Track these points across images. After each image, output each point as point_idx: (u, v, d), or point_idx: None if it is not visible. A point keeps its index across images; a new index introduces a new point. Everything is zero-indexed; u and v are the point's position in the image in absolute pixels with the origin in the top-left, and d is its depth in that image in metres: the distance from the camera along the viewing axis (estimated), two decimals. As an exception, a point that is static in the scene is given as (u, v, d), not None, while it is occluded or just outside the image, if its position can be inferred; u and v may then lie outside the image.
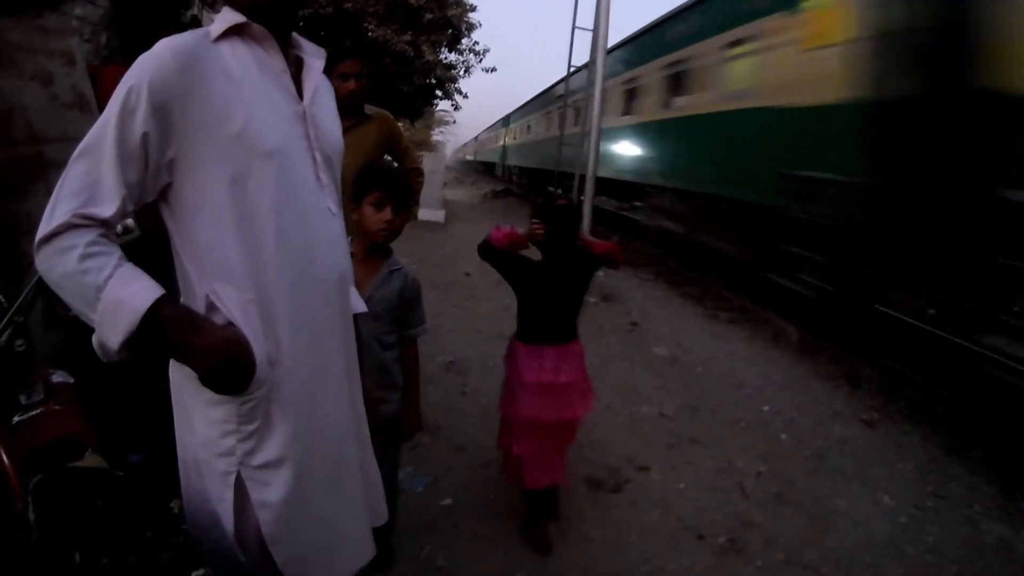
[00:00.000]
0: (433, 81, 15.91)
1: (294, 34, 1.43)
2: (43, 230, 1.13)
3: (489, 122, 46.78)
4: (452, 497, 3.16)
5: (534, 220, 2.76)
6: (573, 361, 2.82)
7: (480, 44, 16.77)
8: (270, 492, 1.33)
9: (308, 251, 1.36)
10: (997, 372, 4.48)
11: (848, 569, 2.86)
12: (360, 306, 1.66)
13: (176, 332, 1.19)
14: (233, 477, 1.30)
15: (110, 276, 1.13)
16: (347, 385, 1.51)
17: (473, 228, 11.32)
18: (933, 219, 4.79)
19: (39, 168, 2.92)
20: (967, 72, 4.51)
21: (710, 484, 3.49)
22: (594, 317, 6.70)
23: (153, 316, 1.14)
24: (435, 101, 19.25)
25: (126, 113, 1.16)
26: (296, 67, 1.42)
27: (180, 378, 1.34)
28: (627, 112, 11.73)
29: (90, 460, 1.49)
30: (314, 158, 1.39)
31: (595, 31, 8.12)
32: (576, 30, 10.43)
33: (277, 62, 1.35)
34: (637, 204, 12.04)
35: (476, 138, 59.35)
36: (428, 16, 13.99)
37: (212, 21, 1.33)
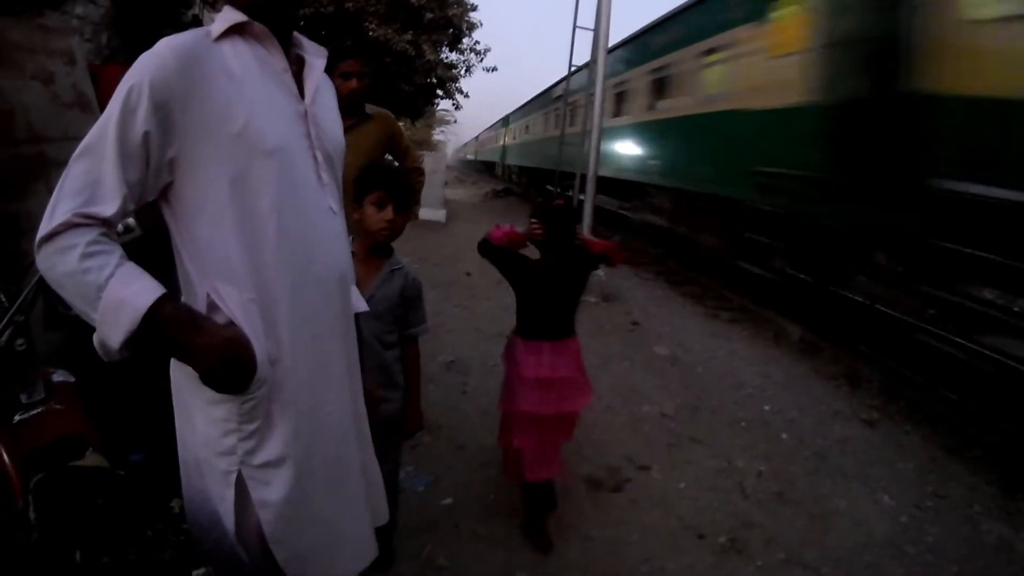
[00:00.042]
0: (434, 80, 15.90)
1: (295, 33, 1.43)
2: (44, 229, 1.13)
3: (490, 121, 46.86)
4: (453, 496, 3.16)
5: (533, 220, 2.80)
6: (570, 357, 2.86)
7: (481, 43, 16.76)
8: (271, 491, 1.33)
9: (309, 250, 1.36)
10: (997, 372, 4.48)
11: (848, 569, 2.86)
12: (361, 305, 1.66)
13: (177, 331, 1.19)
14: (234, 476, 1.30)
15: (111, 275, 1.13)
16: (348, 384, 1.51)
17: (474, 228, 11.31)
18: (881, 208, 5.35)
19: (40, 167, 2.92)
20: (900, 77, 5.10)
21: (711, 484, 3.49)
22: (595, 316, 6.70)
23: (154, 315, 1.14)
24: (436, 100, 19.25)
25: (127, 112, 1.16)
26: (297, 66, 1.42)
27: (181, 377, 1.34)
28: (617, 114, 12.15)
29: (91, 459, 1.50)
30: (315, 157, 1.39)
31: (596, 30, 8.13)
32: (577, 30, 10.42)
33: (278, 61, 1.35)
34: (625, 205, 12.56)
35: (477, 138, 59.40)
36: (429, 15, 13.99)
37: (213, 20, 1.33)
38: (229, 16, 1.29)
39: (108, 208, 1.16)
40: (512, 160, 30.07)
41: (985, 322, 4.74)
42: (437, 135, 51.51)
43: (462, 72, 16.88)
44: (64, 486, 1.38)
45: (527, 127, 25.64)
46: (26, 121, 2.95)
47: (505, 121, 33.97)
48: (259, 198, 1.27)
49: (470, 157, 64.13)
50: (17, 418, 1.61)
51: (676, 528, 3.07)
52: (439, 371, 4.76)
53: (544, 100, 21.95)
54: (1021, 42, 4.19)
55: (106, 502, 1.36)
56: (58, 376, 1.83)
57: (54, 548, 1.25)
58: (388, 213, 2.13)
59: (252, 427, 1.29)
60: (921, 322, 5.34)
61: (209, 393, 1.25)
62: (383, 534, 1.68)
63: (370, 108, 3.31)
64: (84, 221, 1.14)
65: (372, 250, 2.25)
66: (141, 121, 1.16)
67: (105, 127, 1.17)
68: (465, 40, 16.20)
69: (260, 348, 1.27)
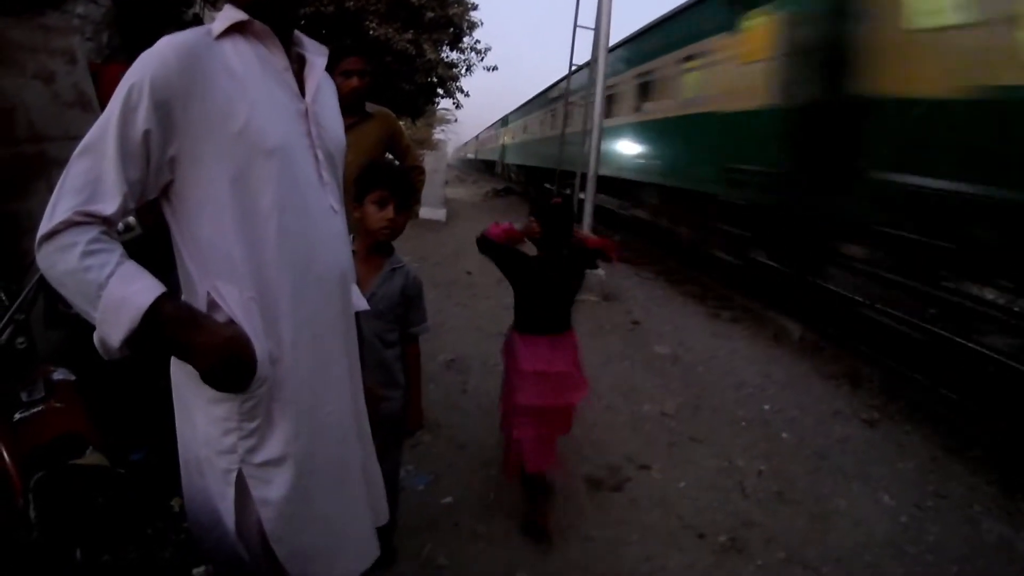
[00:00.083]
0: (434, 79, 15.89)
1: (296, 32, 1.42)
2: (44, 227, 1.13)
3: (490, 120, 47.01)
4: (453, 495, 3.16)
5: (531, 217, 2.86)
6: (567, 351, 2.93)
7: (481, 43, 16.77)
8: (272, 489, 1.33)
9: (310, 249, 1.36)
10: (998, 371, 4.48)
11: (849, 568, 2.86)
12: (362, 304, 1.66)
13: (177, 330, 1.19)
14: (234, 475, 1.30)
15: (111, 274, 1.13)
16: (349, 383, 1.51)
17: (475, 227, 11.27)
18: (830, 199, 6.04)
19: (41, 166, 2.92)
20: (846, 82, 5.79)
21: (711, 483, 3.49)
22: (595, 316, 6.70)
23: (154, 314, 1.14)
24: (436, 99, 19.27)
25: (128, 110, 1.16)
26: (298, 65, 1.42)
27: (181, 376, 1.34)
28: (608, 115, 12.42)
29: (91, 457, 1.50)
30: (316, 156, 1.39)
31: (597, 30, 8.12)
32: (578, 29, 10.42)
33: (279, 60, 1.35)
34: (615, 201, 13.26)
35: (477, 137, 59.51)
36: (430, 15, 13.99)
37: (214, 19, 1.33)
38: (230, 15, 1.29)
39: (109, 206, 1.16)
40: (511, 159, 30.90)
41: (984, 321, 4.75)
42: (438, 134, 51.55)
43: (463, 71, 16.90)
44: (64, 484, 1.38)
45: (525, 127, 26.40)
46: (27, 120, 2.95)
47: (504, 121, 34.80)
48: (260, 197, 1.27)
49: (470, 156, 64.27)
50: (17, 416, 1.61)
51: (676, 527, 3.07)
52: (439, 370, 4.76)
53: (540, 101, 22.68)
54: (943, 50, 4.83)
55: (106, 500, 1.36)
56: (58, 374, 1.83)
57: (54, 546, 1.25)
58: (389, 212, 2.13)
59: (252, 426, 1.29)
60: (922, 321, 5.35)
61: (209, 392, 1.25)
62: (383, 533, 1.68)
63: (371, 107, 3.31)
64: (85, 219, 1.14)
65: (373, 249, 2.25)
66: (142, 119, 1.16)
67: (106, 125, 1.17)
68: (466, 39, 16.21)
69: (261, 347, 1.27)
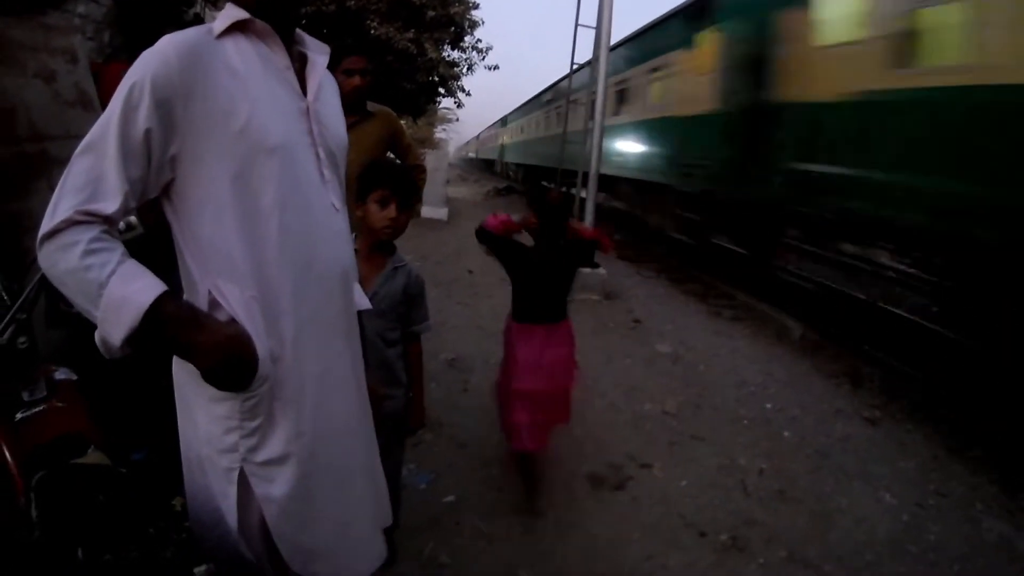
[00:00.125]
0: (436, 79, 15.86)
1: (298, 30, 1.42)
2: (46, 226, 1.13)
3: (492, 119, 47.20)
4: (454, 494, 3.16)
5: (529, 209, 3.05)
6: (563, 339, 3.10)
7: (483, 42, 16.73)
8: (275, 488, 1.33)
9: (311, 247, 1.35)
10: (999, 370, 4.47)
11: (850, 567, 2.86)
12: (364, 303, 1.66)
13: (179, 329, 1.19)
14: (236, 473, 1.30)
15: (112, 272, 1.13)
16: (353, 382, 1.51)
17: (476, 226, 11.34)
18: (757, 186, 7.26)
19: (42, 166, 2.92)
20: (767, 90, 7.09)
21: (712, 481, 3.48)
22: (597, 314, 6.70)
23: (155, 313, 1.14)
24: (438, 99, 19.23)
25: (129, 109, 1.16)
26: (300, 63, 1.42)
27: (183, 375, 1.34)
28: (591, 119, 13.52)
29: (92, 457, 1.50)
30: (318, 154, 1.39)
31: (598, 29, 8.11)
32: (579, 28, 10.41)
33: (280, 58, 1.35)
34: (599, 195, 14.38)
35: (478, 137, 59.66)
36: (431, 14, 13.96)
37: (215, 18, 1.32)
38: (231, 13, 1.29)
39: (110, 205, 1.16)
40: (509, 158, 32.60)
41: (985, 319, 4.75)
42: (439, 133, 51.51)
43: (464, 70, 16.86)
44: (66, 484, 1.38)
45: (522, 128, 27.88)
46: (28, 119, 2.95)
47: (503, 121, 36.31)
48: (261, 195, 1.27)
49: (471, 155, 64.43)
50: (19, 416, 1.61)
51: (678, 526, 3.07)
52: (441, 369, 4.76)
53: (536, 104, 24.27)
54: (825, 64, 6.16)
55: (108, 500, 1.36)
56: (60, 374, 1.83)
57: (56, 545, 1.25)
58: (391, 211, 2.13)
59: (254, 424, 1.29)
60: (923, 320, 5.36)
61: (211, 390, 1.25)
62: (385, 532, 1.68)
63: (372, 106, 3.32)
64: (86, 218, 1.14)
65: (375, 248, 2.25)
66: (143, 118, 1.16)
67: (107, 124, 1.17)
68: (467, 38, 16.17)
69: (262, 345, 1.27)
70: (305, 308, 1.35)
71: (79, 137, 1.19)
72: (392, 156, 3.51)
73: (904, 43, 5.12)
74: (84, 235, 1.13)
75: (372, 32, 12.90)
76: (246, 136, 1.24)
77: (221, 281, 1.27)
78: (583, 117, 11.45)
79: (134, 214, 1.88)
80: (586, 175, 7.94)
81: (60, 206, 1.14)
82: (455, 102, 18.65)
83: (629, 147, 12.28)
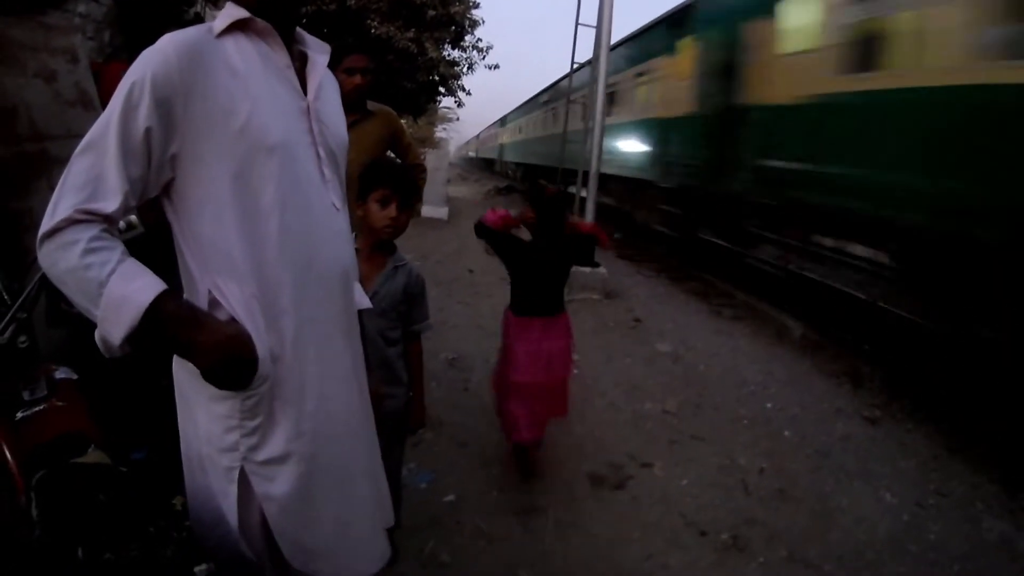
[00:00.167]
0: (436, 78, 15.84)
1: (298, 30, 1.42)
2: (46, 225, 1.13)
3: (492, 119, 47.36)
4: (455, 493, 3.16)
5: (527, 205, 3.14)
6: (560, 331, 3.21)
7: (483, 41, 16.71)
8: (275, 487, 1.33)
9: (312, 246, 1.35)
10: (1000, 369, 4.47)
11: (850, 566, 2.86)
12: (364, 302, 1.66)
13: (178, 328, 1.19)
14: (237, 472, 1.30)
15: (112, 271, 1.13)
16: (354, 381, 1.51)
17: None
18: (727, 180, 8.01)
19: (42, 165, 2.93)
20: (735, 94, 7.85)
21: (713, 481, 3.49)
22: (597, 313, 6.70)
23: (155, 312, 1.14)
24: (438, 98, 19.22)
25: (129, 108, 1.16)
26: (300, 63, 1.42)
27: (183, 374, 1.34)
28: (583, 119, 14.12)
29: (93, 456, 1.50)
30: (318, 153, 1.39)
31: (598, 28, 8.10)
32: (579, 27, 10.42)
33: (281, 57, 1.35)
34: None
35: (478, 136, 59.77)
36: (431, 13, 13.95)
37: (215, 18, 1.32)
38: (232, 12, 1.29)
39: (110, 204, 1.16)
40: (508, 157, 33.71)
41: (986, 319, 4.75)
42: (439, 132, 51.43)
43: (464, 69, 16.83)
44: (66, 483, 1.38)
45: (520, 128, 28.92)
46: (28, 119, 2.95)
47: (503, 121, 37.43)
48: (261, 194, 1.27)
49: (472, 154, 64.52)
50: (20, 415, 1.62)
51: (678, 525, 3.07)
52: (441, 368, 4.77)
53: (533, 105, 25.42)
54: (782, 71, 6.91)
55: (108, 499, 1.36)
56: (60, 373, 1.83)
57: (57, 545, 1.25)
58: (392, 210, 2.13)
59: (254, 424, 1.29)
60: (924, 320, 5.36)
61: (211, 390, 1.25)
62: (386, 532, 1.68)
63: (372, 105, 3.31)
64: (86, 217, 1.14)
65: (376, 247, 2.25)
66: (143, 117, 1.16)
67: (107, 123, 1.17)
68: (467, 37, 16.15)
69: (262, 344, 1.26)
70: (305, 307, 1.35)
71: (79, 136, 1.19)
72: (392, 155, 3.51)
73: (844, 52, 5.84)
74: (84, 234, 1.13)
75: (373, 31, 12.88)
76: (246, 135, 1.24)
77: (221, 280, 1.27)
78: (580, 117, 12.08)
79: (134, 213, 1.88)
80: (586, 174, 7.97)
81: (60, 205, 1.14)
82: (455, 101, 18.62)
83: (618, 147, 12.90)
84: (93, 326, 1.15)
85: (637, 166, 11.73)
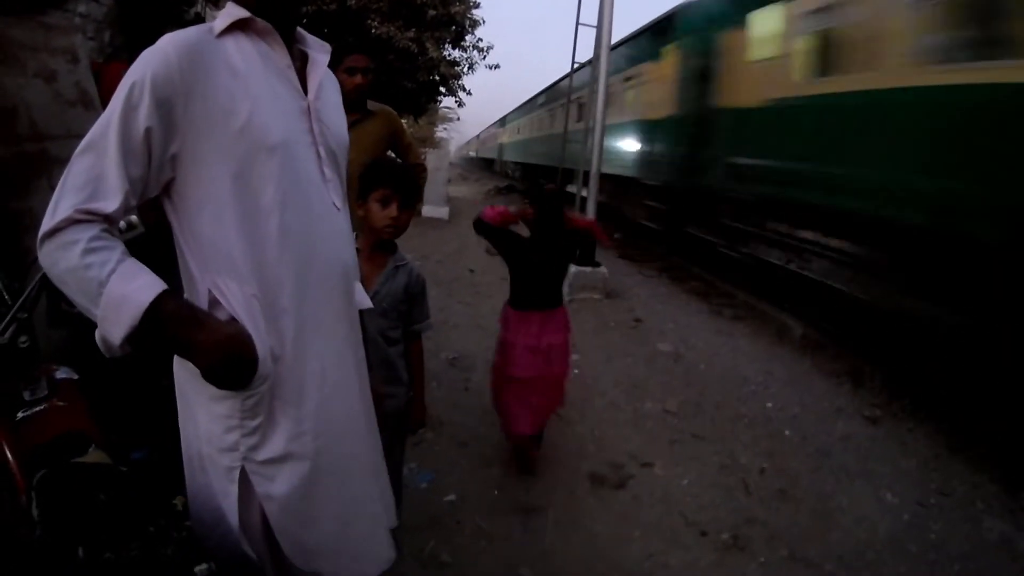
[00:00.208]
0: (437, 78, 15.86)
1: (299, 29, 1.42)
2: (46, 225, 1.13)
3: (493, 118, 47.49)
4: (455, 493, 3.17)
5: (525, 201, 3.22)
6: (557, 325, 3.26)
7: (484, 41, 16.73)
8: (276, 486, 1.33)
9: (312, 246, 1.35)
10: (1000, 369, 4.47)
11: (851, 566, 2.86)
12: (365, 302, 1.66)
13: (178, 327, 1.18)
14: (237, 472, 1.30)
15: (112, 271, 1.13)
16: (356, 381, 1.51)
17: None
18: (703, 177, 8.77)
19: (43, 165, 2.93)
20: (710, 97, 8.62)
21: (713, 480, 3.49)
22: (598, 313, 6.70)
23: (155, 311, 1.13)
24: (439, 98, 19.23)
25: (129, 108, 1.16)
26: (301, 62, 1.42)
27: (184, 373, 1.34)
28: (579, 120, 14.57)
29: (93, 456, 1.50)
30: (319, 153, 1.39)
31: (599, 27, 8.09)
32: (580, 27, 10.42)
33: (281, 57, 1.35)
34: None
35: (478, 136, 59.87)
36: (432, 13, 13.96)
37: (215, 18, 1.32)
38: (232, 12, 1.29)
39: (110, 204, 1.16)
40: (508, 157, 34.47)
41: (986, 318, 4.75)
42: (440, 132, 51.49)
43: (465, 69, 16.85)
44: (67, 483, 1.38)
45: (519, 128, 29.71)
46: (29, 119, 2.95)
47: (502, 122, 38.24)
48: (262, 194, 1.27)
49: (472, 154, 64.60)
50: (20, 415, 1.62)
51: (679, 525, 3.08)
52: (442, 368, 4.77)
53: (530, 106, 26.20)
54: (750, 77, 7.58)
55: (109, 498, 1.36)
56: (61, 373, 1.83)
57: (57, 544, 1.25)
58: (393, 210, 2.13)
59: (254, 423, 1.29)
60: (923, 319, 5.36)
61: (211, 389, 1.25)
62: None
63: (372, 105, 3.32)
64: (86, 217, 1.14)
65: (376, 247, 2.25)
66: (143, 117, 1.16)
67: (108, 123, 1.16)
68: (468, 37, 16.18)
69: (262, 344, 1.26)
70: (306, 307, 1.35)
71: (80, 136, 1.19)
72: (393, 155, 3.51)
73: (801, 60, 6.57)
74: (84, 234, 1.13)
75: (373, 31, 12.90)
76: (246, 135, 1.24)
77: (221, 280, 1.27)
78: (576, 118, 12.51)
79: (135, 213, 1.88)
80: (586, 173, 8.01)
81: (60, 205, 1.14)
82: (456, 101, 18.63)
83: (608, 146, 13.35)
84: (94, 326, 1.15)
85: (625, 164, 12.42)
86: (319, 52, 1.45)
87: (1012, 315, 4.24)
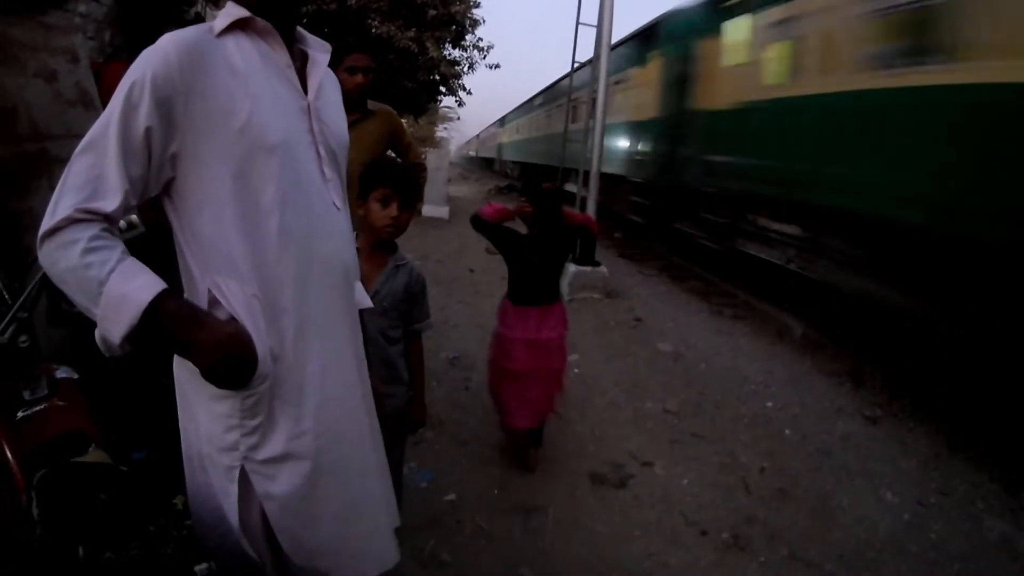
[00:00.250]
0: (437, 77, 15.85)
1: (299, 29, 1.42)
2: (46, 224, 1.13)
3: (493, 118, 47.58)
4: (455, 492, 3.17)
5: (523, 199, 3.27)
6: (556, 319, 3.32)
7: (484, 40, 16.72)
8: (276, 485, 1.33)
9: (312, 246, 1.35)
10: (1000, 369, 4.47)
11: (851, 565, 2.86)
12: (365, 301, 1.66)
13: (178, 327, 1.18)
14: (237, 472, 1.30)
15: (112, 270, 1.13)
16: (358, 381, 1.51)
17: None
18: (683, 174, 9.43)
19: (43, 165, 2.93)
20: (688, 100, 9.34)
21: (713, 480, 3.49)
22: (598, 312, 6.70)
23: (155, 310, 1.13)
24: (439, 97, 19.22)
25: (129, 108, 1.16)
26: (301, 62, 1.42)
27: (184, 373, 1.34)
28: (574, 121, 15.09)
29: (94, 455, 1.50)
30: (318, 152, 1.39)
31: (599, 27, 8.09)
32: (580, 26, 10.42)
33: (281, 56, 1.35)
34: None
35: (478, 136, 59.94)
36: (432, 12, 13.95)
37: (215, 17, 1.32)
38: (232, 11, 1.29)
39: (110, 203, 1.16)
40: (506, 156, 35.34)
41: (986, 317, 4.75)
42: (440, 132, 51.49)
43: (465, 69, 16.83)
44: (67, 482, 1.38)
45: (518, 128, 30.42)
46: (29, 119, 2.95)
47: (501, 122, 39.06)
48: (262, 194, 1.27)
49: (472, 154, 64.67)
50: (20, 414, 1.62)
51: (679, 524, 3.08)
52: (442, 367, 4.77)
53: (528, 107, 26.84)
54: (721, 81, 8.25)
55: (109, 498, 1.37)
56: (61, 373, 1.83)
57: (57, 544, 1.25)
58: (393, 210, 2.13)
59: (254, 423, 1.29)
60: (923, 318, 5.37)
61: (211, 389, 1.25)
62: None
63: (372, 104, 3.32)
64: (86, 216, 1.14)
65: (377, 246, 2.25)
66: (143, 117, 1.16)
67: (107, 123, 1.16)
68: (468, 37, 16.16)
69: (262, 344, 1.26)
70: (306, 307, 1.35)
71: (80, 136, 1.19)
72: (393, 154, 3.51)
73: (763, 67, 7.19)
74: (84, 233, 1.13)
75: (373, 31, 12.89)
76: (246, 134, 1.24)
77: (221, 279, 1.27)
78: (575, 117, 12.76)
79: (135, 213, 1.88)
80: (585, 173, 8.07)
81: (60, 204, 1.14)
82: (456, 101, 18.61)
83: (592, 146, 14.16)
84: (94, 325, 1.15)
85: (614, 163, 12.83)
86: (319, 51, 1.45)
87: (1011, 315, 4.25)
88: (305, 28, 1.46)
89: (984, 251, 4.39)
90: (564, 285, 7.20)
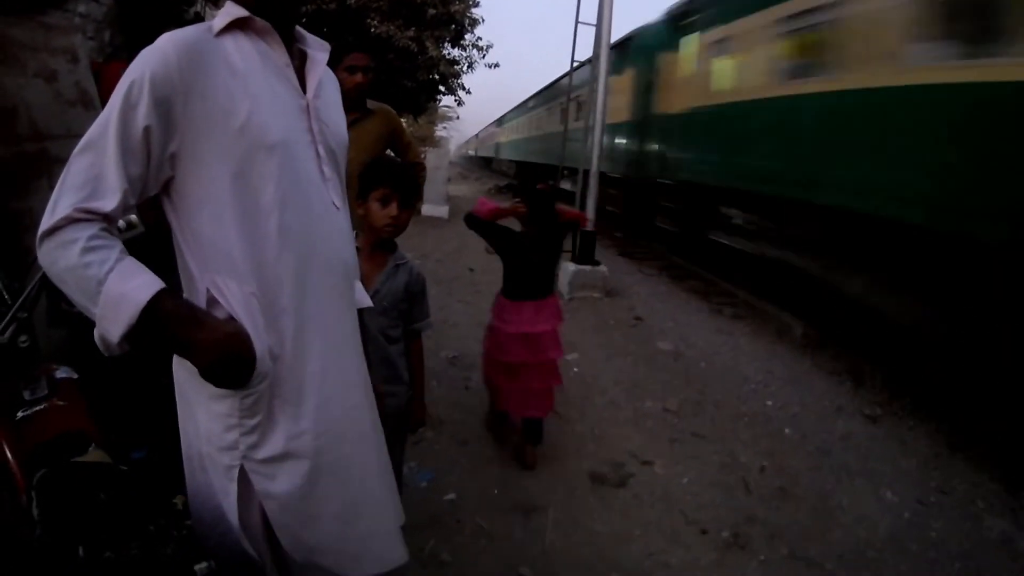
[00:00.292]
0: (436, 77, 15.83)
1: (298, 28, 1.42)
2: (45, 224, 1.13)
3: (492, 117, 47.77)
4: (455, 492, 3.17)
5: (517, 198, 3.38)
6: (550, 313, 3.41)
7: (483, 39, 16.69)
8: (275, 485, 1.32)
9: (312, 245, 1.35)
10: (1000, 369, 4.47)
11: (851, 564, 2.86)
12: (365, 300, 1.66)
13: (177, 326, 1.18)
14: (237, 471, 1.30)
15: (111, 270, 1.13)
16: (359, 380, 1.51)
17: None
18: (650, 170, 10.98)
19: (43, 164, 2.93)
20: (653, 105, 10.94)
21: (713, 479, 3.49)
22: (598, 312, 6.70)
23: (153, 310, 1.13)
24: (438, 97, 19.20)
25: (128, 107, 1.16)
26: (300, 61, 1.42)
27: (183, 372, 1.34)
28: (561, 121, 16.03)
29: (93, 455, 1.50)
30: (318, 152, 1.39)
31: (598, 26, 8.09)
32: (579, 25, 10.42)
33: (280, 56, 1.35)
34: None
35: (477, 135, 60.04)
36: (432, 12, 13.94)
37: (215, 17, 1.32)
38: (231, 11, 1.29)
39: (109, 203, 1.16)
40: (504, 155, 36.69)
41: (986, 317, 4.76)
42: (440, 131, 51.44)
43: (464, 68, 16.80)
44: (67, 482, 1.38)
45: (516, 128, 31.31)
46: (29, 118, 2.95)
47: (499, 122, 40.21)
48: (261, 193, 1.27)
49: (471, 153, 64.73)
50: (20, 414, 1.62)
51: (679, 523, 3.08)
52: (442, 366, 4.77)
53: (523, 108, 28.21)
54: (679, 88, 9.81)
55: (109, 497, 1.37)
56: (61, 372, 1.83)
57: (57, 543, 1.25)
58: (393, 209, 2.13)
59: (254, 422, 1.29)
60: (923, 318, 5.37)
61: (210, 388, 1.25)
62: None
63: (372, 103, 3.32)
64: (85, 216, 1.14)
65: (376, 246, 2.25)
66: (142, 116, 1.16)
67: (107, 122, 1.16)
68: (467, 36, 16.13)
69: (261, 343, 1.26)
70: (306, 306, 1.35)
71: (79, 136, 1.18)
72: (392, 154, 3.51)
73: (706, 78, 8.73)
74: (83, 232, 1.13)
75: (373, 30, 12.88)
76: (246, 134, 1.24)
77: (220, 279, 1.27)
78: (565, 118, 12.94)
79: (134, 212, 1.88)
80: (580, 172, 8.16)
81: (60, 204, 1.14)
82: (456, 100, 18.59)
83: (581, 145, 14.78)
84: (93, 325, 1.15)
85: (607, 163, 14.14)
86: (318, 51, 1.45)
87: (1011, 315, 4.25)
88: (304, 27, 1.46)
89: (979, 251, 4.45)
90: (564, 284, 7.21)
